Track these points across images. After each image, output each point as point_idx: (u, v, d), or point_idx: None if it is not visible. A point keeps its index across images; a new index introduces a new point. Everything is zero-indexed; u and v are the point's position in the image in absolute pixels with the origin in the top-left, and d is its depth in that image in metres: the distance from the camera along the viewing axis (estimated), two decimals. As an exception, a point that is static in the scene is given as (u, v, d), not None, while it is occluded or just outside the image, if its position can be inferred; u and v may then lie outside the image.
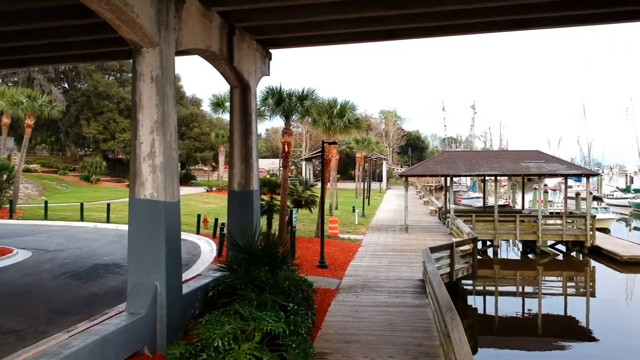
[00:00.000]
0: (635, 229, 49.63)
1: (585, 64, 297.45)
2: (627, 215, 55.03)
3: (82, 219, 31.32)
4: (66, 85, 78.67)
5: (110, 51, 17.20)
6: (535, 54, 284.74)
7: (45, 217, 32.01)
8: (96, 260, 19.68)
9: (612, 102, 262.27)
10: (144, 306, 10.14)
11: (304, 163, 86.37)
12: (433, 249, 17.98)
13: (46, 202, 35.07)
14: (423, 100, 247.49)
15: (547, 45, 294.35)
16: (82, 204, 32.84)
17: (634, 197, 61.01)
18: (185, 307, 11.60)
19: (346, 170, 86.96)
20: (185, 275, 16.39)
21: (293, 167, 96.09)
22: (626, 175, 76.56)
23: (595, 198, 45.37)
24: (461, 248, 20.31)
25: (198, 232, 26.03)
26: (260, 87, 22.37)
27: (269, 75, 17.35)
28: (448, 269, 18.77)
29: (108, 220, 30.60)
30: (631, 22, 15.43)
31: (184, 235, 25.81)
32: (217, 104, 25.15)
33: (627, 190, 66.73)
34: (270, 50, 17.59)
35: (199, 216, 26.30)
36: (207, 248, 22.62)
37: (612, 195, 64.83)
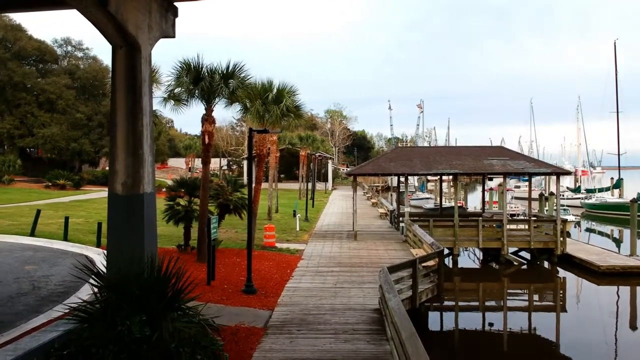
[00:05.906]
0: (587, 230, 47.84)
1: (532, 66, 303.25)
2: (579, 216, 53.22)
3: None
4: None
5: None
6: (488, 53, 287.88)
7: None
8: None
9: (553, 102, 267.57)
10: None
11: (245, 162, 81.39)
12: (392, 269, 13.88)
13: None
14: (369, 99, 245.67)
15: (498, 45, 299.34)
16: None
17: (585, 198, 59.31)
18: (-1, 391, 6.99)
19: (290, 169, 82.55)
20: (48, 316, 11.61)
21: (235, 167, 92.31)
22: (574, 175, 75.72)
23: (548, 199, 42.91)
24: (424, 264, 16.37)
25: (99, 244, 20.67)
26: (174, 61, 17.68)
27: (173, 36, 12.78)
28: (410, 293, 14.72)
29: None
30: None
31: (82, 250, 20.54)
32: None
33: (577, 190, 65.15)
34: (177, 5, 13.05)
35: (99, 225, 20.91)
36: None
37: (562, 195, 62.86)
